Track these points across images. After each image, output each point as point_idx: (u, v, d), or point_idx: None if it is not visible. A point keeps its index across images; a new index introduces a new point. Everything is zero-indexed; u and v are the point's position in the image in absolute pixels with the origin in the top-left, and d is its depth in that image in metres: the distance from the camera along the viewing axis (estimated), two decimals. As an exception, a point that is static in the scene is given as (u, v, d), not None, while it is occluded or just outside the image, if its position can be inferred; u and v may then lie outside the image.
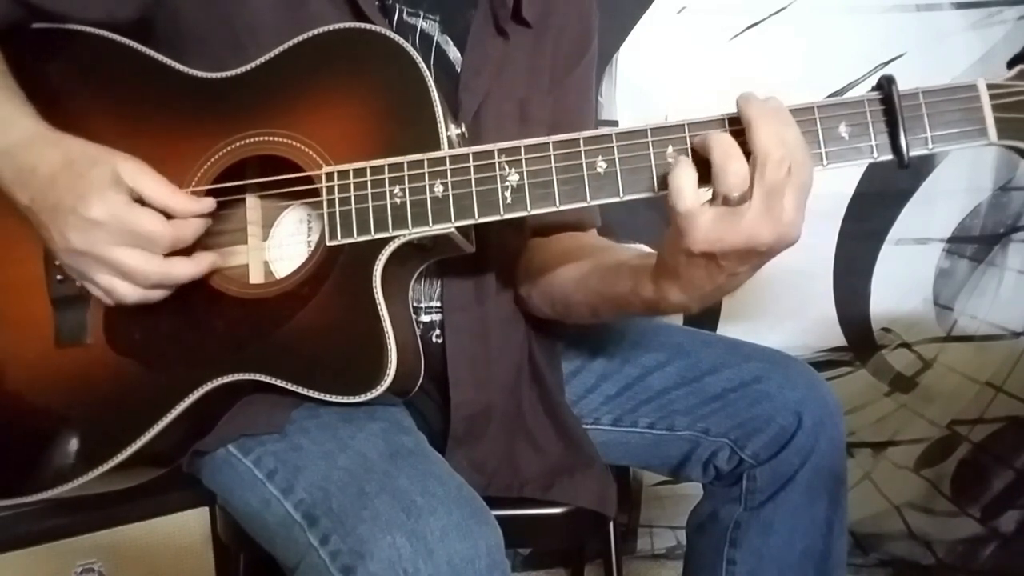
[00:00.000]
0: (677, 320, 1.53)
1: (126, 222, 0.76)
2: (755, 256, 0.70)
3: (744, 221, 0.67)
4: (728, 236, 0.68)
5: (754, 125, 0.67)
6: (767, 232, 0.67)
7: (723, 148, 0.68)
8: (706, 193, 0.70)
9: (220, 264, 0.83)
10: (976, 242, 1.57)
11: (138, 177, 0.78)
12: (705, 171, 0.69)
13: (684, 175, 0.69)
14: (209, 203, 0.82)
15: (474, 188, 0.76)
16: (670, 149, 0.72)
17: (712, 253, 0.69)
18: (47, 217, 0.77)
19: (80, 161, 0.78)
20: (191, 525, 1.27)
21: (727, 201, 0.68)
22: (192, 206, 0.81)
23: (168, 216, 0.79)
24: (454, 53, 0.94)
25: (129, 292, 0.79)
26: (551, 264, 0.97)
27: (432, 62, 0.92)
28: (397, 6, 0.91)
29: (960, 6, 1.47)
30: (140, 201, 0.78)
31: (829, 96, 1.45)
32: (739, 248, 0.69)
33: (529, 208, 0.75)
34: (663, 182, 0.71)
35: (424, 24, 0.93)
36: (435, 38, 0.93)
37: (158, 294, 0.80)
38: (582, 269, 0.92)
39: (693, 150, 0.72)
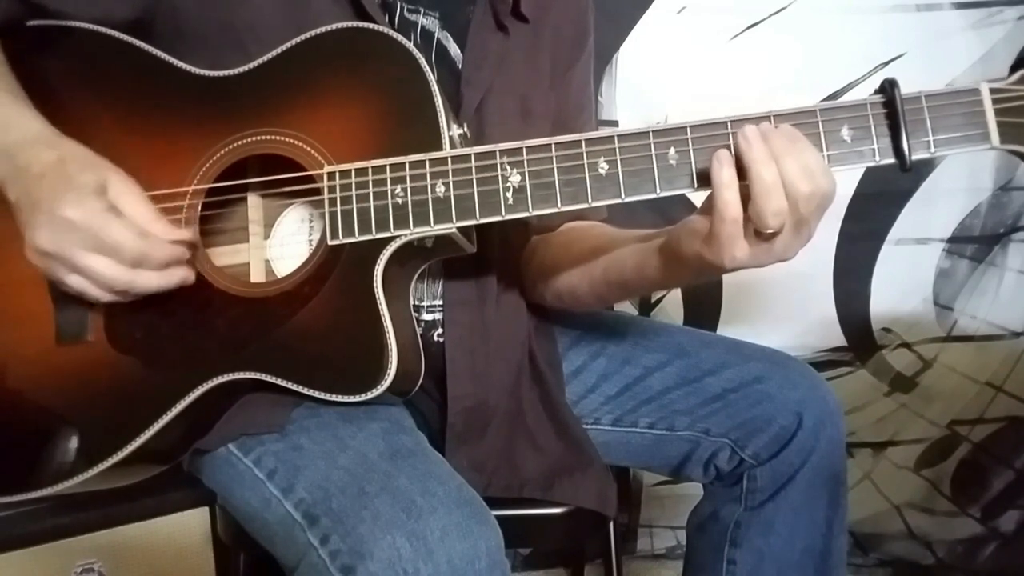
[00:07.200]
0: (677, 320, 1.54)
1: (96, 227, 0.75)
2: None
3: (775, 248, 0.70)
4: (758, 259, 0.71)
5: (781, 162, 0.68)
6: (792, 251, 0.71)
7: (765, 184, 0.67)
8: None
9: (191, 281, 0.81)
10: (976, 242, 1.57)
11: (124, 193, 0.77)
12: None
13: (729, 188, 0.69)
14: (188, 234, 0.80)
15: (476, 188, 0.76)
16: (672, 151, 0.72)
17: (736, 268, 0.72)
18: (26, 215, 0.76)
19: (72, 165, 0.77)
20: (191, 525, 1.27)
21: (760, 234, 0.69)
22: (170, 233, 0.78)
23: None
24: (455, 49, 0.94)
25: (99, 295, 0.78)
26: (555, 258, 0.98)
27: (433, 58, 0.92)
28: (398, 3, 0.91)
29: (960, 6, 1.47)
30: None
31: (828, 97, 1.47)
32: (762, 264, 0.72)
33: (531, 209, 0.75)
34: (704, 178, 0.71)
35: (425, 21, 0.93)
36: (436, 35, 0.93)
37: (128, 297, 0.79)
38: (585, 260, 0.93)
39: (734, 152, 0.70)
